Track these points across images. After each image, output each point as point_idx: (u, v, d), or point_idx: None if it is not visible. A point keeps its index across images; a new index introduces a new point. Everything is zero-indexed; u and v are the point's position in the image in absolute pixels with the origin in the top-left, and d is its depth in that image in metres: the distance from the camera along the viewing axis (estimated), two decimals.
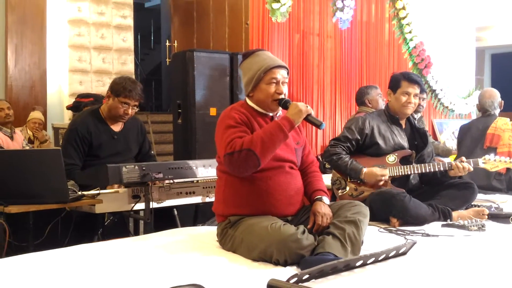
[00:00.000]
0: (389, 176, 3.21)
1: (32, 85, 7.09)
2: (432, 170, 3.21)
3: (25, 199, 2.76)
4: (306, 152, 2.66)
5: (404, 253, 2.25)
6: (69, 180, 2.96)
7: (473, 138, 4.35)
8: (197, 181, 3.40)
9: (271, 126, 2.34)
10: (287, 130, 2.32)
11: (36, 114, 6.04)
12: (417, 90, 3.27)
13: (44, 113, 6.77)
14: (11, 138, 5.04)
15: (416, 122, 3.51)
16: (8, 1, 6.92)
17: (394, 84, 3.33)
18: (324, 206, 2.43)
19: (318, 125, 2.41)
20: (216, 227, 2.54)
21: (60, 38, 7.41)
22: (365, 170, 3.18)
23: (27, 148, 5.24)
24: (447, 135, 6.91)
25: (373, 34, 6.20)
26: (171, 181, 3.24)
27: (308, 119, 2.39)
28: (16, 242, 2.84)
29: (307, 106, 2.39)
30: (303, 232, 2.21)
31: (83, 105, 5.96)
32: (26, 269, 2.07)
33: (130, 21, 7.99)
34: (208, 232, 2.69)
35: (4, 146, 4.77)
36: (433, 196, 3.24)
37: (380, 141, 3.27)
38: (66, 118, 7.18)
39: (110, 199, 3.04)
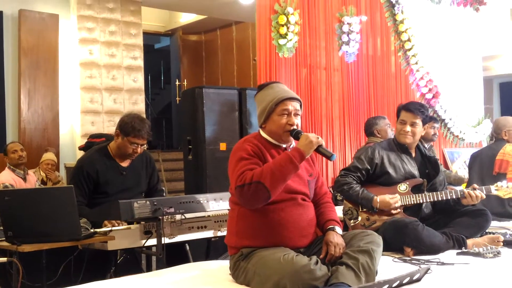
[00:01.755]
0: (402, 205, 3.19)
1: (45, 127, 7.21)
2: (444, 198, 3.19)
3: (38, 238, 2.78)
4: (319, 184, 2.66)
5: (418, 280, 2.21)
6: (81, 217, 2.98)
7: (483, 165, 4.33)
8: (209, 215, 3.40)
9: (281, 158, 2.35)
10: (297, 162, 2.32)
11: (49, 156, 6.12)
12: (414, 119, 3.28)
13: (57, 154, 6.86)
14: (24, 179, 5.10)
15: (426, 150, 3.51)
16: (21, 46, 7.13)
17: (397, 113, 3.39)
18: (336, 236, 2.41)
19: (328, 157, 2.42)
20: (228, 260, 2.53)
21: (72, 81, 7.58)
22: (377, 198, 3.16)
23: None
24: (459, 164, 6.87)
25: (380, 67, 6.25)
26: (183, 216, 3.24)
27: (319, 150, 2.40)
28: (30, 283, 2.84)
29: (318, 137, 2.40)
30: (316, 262, 2.20)
31: (95, 145, 6.03)
32: None
33: (140, 62, 8.17)
34: (220, 266, 2.67)
35: (17, 187, 4.82)
36: (446, 224, 3.21)
37: (391, 170, 3.27)
38: (78, 158, 7.25)
39: (122, 236, 3.05)
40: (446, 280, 2.38)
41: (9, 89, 7.13)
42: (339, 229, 2.48)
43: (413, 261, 2.77)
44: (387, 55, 6.37)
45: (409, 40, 6.39)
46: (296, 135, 2.44)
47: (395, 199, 3.16)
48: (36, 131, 7.16)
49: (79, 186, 3.32)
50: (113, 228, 3.06)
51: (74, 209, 2.80)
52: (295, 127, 2.46)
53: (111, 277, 3.14)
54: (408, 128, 3.27)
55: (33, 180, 5.27)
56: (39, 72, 7.24)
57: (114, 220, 3.15)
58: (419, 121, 3.30)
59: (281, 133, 2.47)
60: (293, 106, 2.48)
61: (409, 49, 6.42)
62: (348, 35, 5.77)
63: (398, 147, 3.36)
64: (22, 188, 4.86)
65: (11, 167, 5.08)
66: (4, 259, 2.44)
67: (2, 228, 2.85)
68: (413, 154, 3.39)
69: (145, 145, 3.46)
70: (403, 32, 6.34)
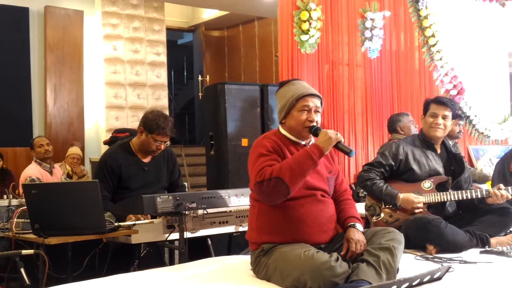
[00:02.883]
0: (425, 203, 3.17)
1: (70, 122, 7.34)
2: (469, 197, 3.15)
3: (63, 231, 2.84)
4: (339, 181, 2.66)
5: (439, 278, 2.20)
6: (106, 211, 3.03)
7: (505, 162, 4.24)
8: (230, 210, 3.43)
9: (300, 154, 2.36)
10: (316, 158, 2.33)
11: (74, 150, 6.22)
12: (446, 112, 3.25)
13: (82, 149, 6.97)
14: (51, 173, 5.20)
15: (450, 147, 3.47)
16: (47, 42, 7.25)
17: (425, 108, 3.34)
18: (357, 233, 2.41)
19: (347, 153, 2.42)
20: (249, 256, 2.55)
21: (96, 76, 7.69)
22: (401, 195, 3.15)
23: None
24: (484, 161, 6.77)
25: (403, 63, 6.19)
26: (205, 211, 3.28)
27: (338, 146, 2.40)
28: (55, 274, 2.91)
29: (337, 134, 2.40)
30: (337, 259, 2.20)
31: (120, 139, 6.11)
32: None
33: (163, 58, 8.24)
34: (242, 261, 2.70)
35: (44, 181, 4.92)
36: (470, 222, 3.18)
37: (415, 167, 3.24)
38: (103, 153, 7.36)
39: (145, 230, 3.10)
40: (468, 279, 2.36)
41: (35, 84, 7.26)
42: (359, 226, 2.48)
43: (435, 259, 2.75)
44: (411, 51, 6.30)
45: (433, 35, 6.31)
46: (315, 131, 2.45)
47: (419, 199, 3.13)
48: (62, 126, 7.29)
49: (104, 181, 3.38)
50: (137, 222, 3.11)
51: (99, 203, 2.85)
52: (314, 123, 2.47)
53: (134, 270, 3.19)
54: (440, 120, 3.23)
55: (59, 173, 5.37)
56: (65, 67, 7.36)
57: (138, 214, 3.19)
58: (450, 114, 3.27)
59: (301, 129, 2.48)
60: (313, 102, 2.48)
61: (434, 45, 6.34)
62: (371, 31, 5.73)
63: (424, 143, 3.32)
64: (49, 181, 4.96)
65: (38, 161, 5.19)
66: (31, 251, 2.51)
67: (29, 220, 2.92)
68: (438, 151, 3.35)
69: (168, 142, 3.51)
70: (427, 27, 6.26)
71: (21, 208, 3.03)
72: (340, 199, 2.62)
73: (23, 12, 7.17)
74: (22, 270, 2.46)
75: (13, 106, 7.01)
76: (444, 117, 3.25)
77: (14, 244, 2.95)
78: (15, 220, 2.98)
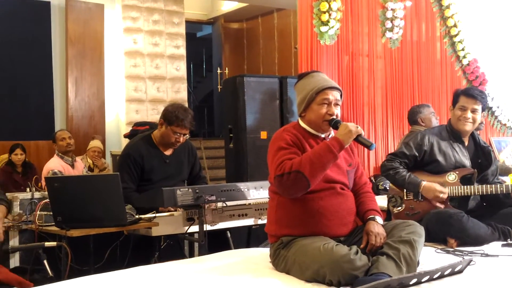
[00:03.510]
0: (448, 196, 3.12)
1: (92, 115, 7.43)
2: (494, 192, 3.09)
3: (85, 223, 2.88)
4: (358, 174, 2.64)
5: (460, 271, 2.18)
6: (126, 204, 3.07)
7: None
8: (249, 203, 3.44)
9: (320, 147, 2.34)
10: (336, 151, 2.32)
11: (95, 143, 6.29)
12: (476, 106, 3.17)
13: (103, 142, 7.05)
14: (72, 166, 5.27)
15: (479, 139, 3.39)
16: (68, 36, 7.33)
17: (454, 99, 3.27)
18: (377, 226, 2.40)
19: (368, 146, 2.40)
20: (269, 248, 2.55)
21: (117, 69, 7.75)
22: (424, 183, 3.11)
23: None
24: (507, 153, 6.66)
25: (424, 53, 6.10)
26: (224, 204, 3.29)
27: (358, 139, 2.39)
28: (78, 266, 2.96)
29: (357, 127, 2.38)
30: (356, 252, 2.19)
31: (140, 133, 6.17)
32: None
33: (183, 51, 8.26)
34: (261, 254, 2.70)
35: (66, 174, 4.99)
36: (492, 215, 3.13)
37: (440, 158, 3.19)
38: (123, 146, 7.38)
39: (165, 222, 3.13)
40: (490, 272, 2.33)
41: (57, 78, 7.35)
42: (379, 219, 2.47)
43: (456, 253, 2.72)
44: (432, 41, 6.21)
45: (455, 25, 6.20)
46: (335, 124, 2.43)
47: (443, 190, 3.08)
48: (83, 119, 7.39)
49: (128, 172, 3.42)
50: (157, 214, 3.14)
51: (120, 195, 2.89)
52: (334, 116, 2.45)
53: (155, 262, 3.23)
54: (469, 114, 3.17)
55: (80, 167, 5.44)
56: (86, 61, 7.44)
57: (164, 207, 3.22)
58: (480, 108, 3.19)
59: (320, 122, 2.46)
60: (333, 95, 2.46)
61: (455, 35, 6.23)
62: (391, 21, 5.66)
63: (451, 134, 3.26)
64: (70, 174, 5.03)
65: (60, 154, 5.25)
66: (53, 243, 2.55)
67: (51, 213, 2.97)
68: (466, 143, 3.28)
69: (187, 135, 3.52)
70: (449, 17, 6.16)
71: (43, 201, 3.08)
72: (360, 192, 2.61)
73: (45, 6, 7.26)
74: (45, 262, 2.50)
75: (36, 100, 7.12)
76: (473, 111, 3.17)
77: (37, 237, 3.00)
78: (38, 212, 3.03)
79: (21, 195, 3.64)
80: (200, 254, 3.17)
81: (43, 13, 7.23)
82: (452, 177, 3.17)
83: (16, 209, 3.55)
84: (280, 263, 2.39)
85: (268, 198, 2.59)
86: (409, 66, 5.96)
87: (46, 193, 3.50)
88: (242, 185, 3.33)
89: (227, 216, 3.34)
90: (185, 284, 2.21)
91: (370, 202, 2.57)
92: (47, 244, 2.51)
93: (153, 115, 7.75)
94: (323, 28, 5.17)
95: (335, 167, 2.45)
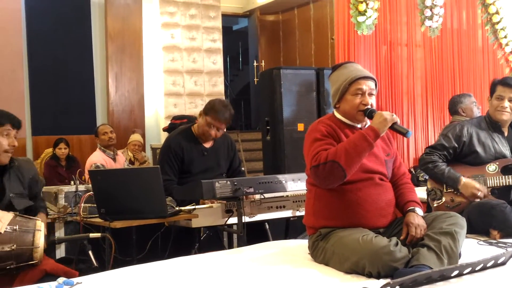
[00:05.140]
0: (489, 187, 3.06)
1: (131, 109, 7.58)
2: None
3: (127, 215, 2.95)
4: (397, 164, 2.61)
5: (503, 263, 2.13)
6: (167, 196, 3.13)
7: None
8: (287, 195, 3.45)
9: (355, 137, 2.33)
10: (372, 140, 2.30)
11: (136, 137, 6.42)
12: None
13: (143, 136, 7.19)
14: (114, 159, 5.39)
15: None
16: (108, 32, 7.49)
17: (491, 89, 3.21)
18: (417, 217, 2.37)
19: (404, 133, 2.37)
20: (307, 240, 2.56)
21: (155, 64, 7.87)
22: (463, 180, 3.06)
23: None
24: None
25: (465, 41, 5.96)
26: (262, 196, 3.31)
27: (393, 127, 2.36)
28: (120, 257, 3.03)
29: (392, 115, 2.36)
30: (396, 244, 2.17)
31: (177, 126, 6.26)
32: (131, 280, 2.20)
33: (219, 44, 8.32)
34: (299, 246, 2.72)
35: (108, 167, 5.11)
36: None
37: (479, 149, 3.13)
38: (162, 139, 7.54)
39: (205, 214, 3.18)
40: None
41: (98, 73, 7.53)
42: (419, 210, 2.44)
43: (499, 244, 2.67)
44: (473, 29, 6.05)
45: (497, 12, 6.01)
46: (370, 114, 2.41)
47: (481, 189, 3.02)
48: (124, 113, 7.55)
49: (170, 164, 3.48)
50: (196, 206, 3.19)
51: (161, 188, 2.94)
52: (369, 106, 2.43)
53: (195, 253, 3.29)
54: (507, 103, 3.10)
55: (122, 160, 5.56)
56: (125, 56, 7.59)
57: (203, 199, 3.26)
58: None
59: (355, 112, 2.45)
60: (367, 85, 2.44)
61: (498, 22, 6.04)
62: (431, 9, 5.55)
63: (490, 125, 3.19)
64: (112, 168, 5.15)
65: (102, 148, 5.38)
66: (98, 234, 2.62)
67: (95, 205, 3.06)
68: (506, 133, 3.22)
69: (221, 130, 3.53)
70: (490, 4, 5.97)
71: (87, 194, 3.17)
72: (399, 183, 2.58)
73: (85, 4, 7.43)
74: (90, 252, 2.58)
75: (78, 96, 7.31)
76: (510, 100, 3.10)
77: (81, 228, 3.09)
78: (82, 205, 3.12)
79: (66, 188, 3.75)
80: (239, 245, 3.20)
81: (83, 10, 7.40)
82: (492, 168, 3.10)
83: (61, 201, 3.66)
84: (318, 254, 2.40)
85: (306, 190, 2.60)
86: (449, 55, 5.84)
87: (90, 186, 3.61)
88: (280, 177, 3.35)
89: (265, 208, 3.37)
90: (226, 274, 2.25)
91: (410, 194, 2.54)
92: (91, 235, 2.58)
93: (191, 108, 7.85)
94: (360, 18, 5.12)
95: (373, 156, 2.43)
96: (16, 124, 2.54)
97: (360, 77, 2.44)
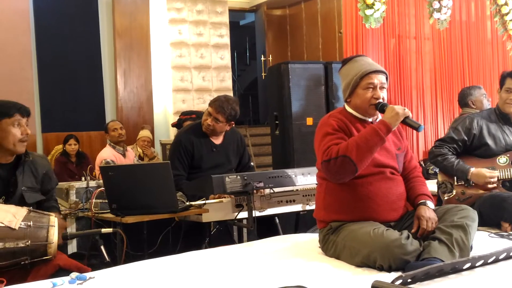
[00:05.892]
0: (500, 179, 3.05)
1: (140, 106, 7.61)
2: None
3: (139, 210, 2.97)
4: (408, 158, 2.61)
5: None
6: (177, 191, 3.14)
7: None
8: (297, 189, 3.46)
9: (367, 131, 2.33)
10: (383, 134, 2.29)
11: (145, 133, 6.44)
12: None
13: (152, 131, 7.21)
14: (124, 155, 5.42)
15: None
16: (116, 29, 7.51)
17: (501, 82, 3.21)
18: (428, 210, 2.37)
19: (416, 128, 2.37)
20: (316, 233, 2.56)
21: (163, 60, 7.89)
22: (472, 170, 3.05)
23: None
24: None
25: (474, 33, 5.93)
26: (272, 190, 3.32)
27: (405, 121, 2.36)
28: (131, 251, 3.06)
29: (404, 109, 2.35)
30: (407, 237, 2.17)
31: (186, 122, 6.27)
32: (143, 274, 2.22)
33: (227, 40, 8.31)
34: (310, 239, 2.72)
35: (117, 163, 5.13)
36: None
37: (490, 141, 3.12)
38: (171, 135, 7.59)
39: (215, 209, 3.19)
40: None
41: (106, 70, 7.55)
42: (430, 204, 2.44)
43: (510, 237, 2.66)
44: (482, 21, 6.01)
45: (506, 4, 5.98)
46: (382, 108, 2.40)
47: (492, 174, 3.02)
48: (132, 110, 7.57)
49: (180, 159, 3.51)
50: (206, 201, 3.20)
51: (171, 183, 2.96)
52: (380, 100, 2.42)
53: (206, 247, 3.30)
54: None
55: (131, 156, 5.58)
56: (133, 53, 7.60)
57: (213, 194, 3.28)
58: None
59: (367, 106, 2.44)
60: (378, 79, 2.43)
61: (507, 14, 6.01)
62: (439, 1, 5.51)
63: (500, 117, 3.19)
64: (122, 163, 5.17)
65: (112, 144, 5.41)
66: (110, 230, 2.63)
67: (106, 201, 3.08)
68: None
69: (220, 122, 3.52)
70: None
71: (98, 189, 3.19)
72: (410, 176, 2.58)
73: (92, 1, 7.44)
74: (102, 247, 2.60)
75: (87, 92, 7.35)
76: None
77: (93, 223, 3.12)
78: (93, 200, 3.14)
79: (77, 184, 3.78)
80: (249, 239, 3.22)
81: (91, 8, 7.42)
82: (503, 160, 3.09)
83: (73, 197, 3.69)
84: (329, 248, 2.40)
85: (316, 184, 2.60)
86: (458, 47, 5.81)
87: (100, 181, 3.63)
88: (289, 172, 3.35)
89: (275, 202, 3.37)
90: (238, 268, 2.26)
91: (421, 187, 2.53)
92: (103, 230, 2.60)
93: (199, 104, 7.86)
94: (368, 11, 5.10)
95: (384, 151, 2.43)
96: (24, 112, 2.54)
97: (371, 71, 2.43)
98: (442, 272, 1.88)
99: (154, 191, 2.94)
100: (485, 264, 2.02)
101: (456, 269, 1.93)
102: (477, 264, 1.98)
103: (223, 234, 3.56)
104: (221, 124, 3.54)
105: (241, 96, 10.91)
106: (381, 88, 2.44)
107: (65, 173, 6.03)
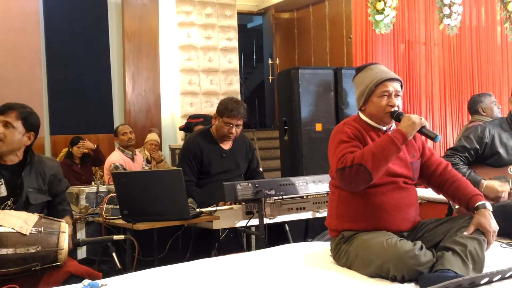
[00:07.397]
0: (511, 189, 3.03)
1: (148, 109, 7.62)
2: None
3: (150, 217, 2.98)
4: (428, 155, 2.53)
5: None
6: (188, 197, 3.14)
7: None
8: (307, 196, 3.45)
9: (383, 140, 2.31)
10: (400, 143, 2.28)
11: (153, 136, 6.44)
12: None
13: (160, 135, 7.22)
14: (132, 159, 5.42)
15: None
16: (125, 31, 7.53)
17: None
18: (492, 220, 2.29)
19: (432, 138, 2.35)
20: (328, 242, 2.55)
21: (172, 64, 7.90)
22: (485, 183, 3.03)
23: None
24: None
25: (484, 39, 5.91)
26: (282, 197, 3.32)
27: (422, 131, 2.34)
28: (141, 257, 3.05)
29: (421, 118, 2.33)
30: (421, 248, 2.15)
31: (193, 125, 6.28)
32: (155, 282, 2.21)
33: (235, 43, 8.32)
34: (321, 248, 2.71)
35: (126, 167, 5.14)
36: None
37: (502, 151, 3.10)
38: (179, 138, 7.60)
39: (226, 216, 3.19)
40: None
41: (115, 73, 7.57)
42: (489, 205, 2.37)
43: None
44: (492, 26, 6.00)
45: None
46: (397, 116, 2.39)
47: (504, 188, 2.99)
48: (140, 113, 7.59)
49: (189, 165, 3.51)
50: (217, 208, 3.20)
51: (183, 190, 2.96)
52: (396, 108, 2.41)
53: (215, 254, 3.30)
54: None
55: (140, 160, 5.58)
56: (142, 56, 7.62)
57: (225, 201, 3.28)
58: None
59: (382, 115, 2.42)
60: (393, 87, 2.42)
61: None
62: (449, 7, 5.50)
63: None
64: (131, 168, 5.18)
65: (121, 148, 5.41)
66: (121, 237, 2.64)
67: (117, 207, 3.08)
68: None
69: (240, 126, 3.56)
70: (509, 1, 5.92)
71: (109, 195, 3.19)
72: (443, 172, 2.48)
73: (102, 3, 7.47)
74: (114, 255, 2.60)
75: (95, 95, 7.37)
76: None
77: (103, 229, 3.12)
78: (105, 206, 3.15)
79: (87, 189, 3.79)
80: (258, 246, 3.21)
81: (100, 10, 7.45)
82: None
83: (83, 202, 3.70)
84: (341, 257, 2.39)
85: (327, 191, 2.58)
86: (468, 53, 5.79)
87: (110, 186, 3.64)
88: (300, 179, 3.35)
89: (285, 210, 3.37)
90: (249, 277, 2.25)
91: (466, 185, 2.45)
92: (115, 237, 2.60)
93: (207, 107, 7.87)
94: (378, 17, 5.09)
95: (398, 159, 2.40)
96: None
97: (386, 79, 2.42)
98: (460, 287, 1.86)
99: (166, 198, 2.94)
100: (502, 279, 2.00)
101: (474, 284, 1.91)
102: (494, 279, 1.96)
103: (231, 241, 3.56)
104: (241, 127, 3.56)
105: (247, 99, 10.92)
106: (396, 95, 2.43)
107: (71, 175, 6.02)
